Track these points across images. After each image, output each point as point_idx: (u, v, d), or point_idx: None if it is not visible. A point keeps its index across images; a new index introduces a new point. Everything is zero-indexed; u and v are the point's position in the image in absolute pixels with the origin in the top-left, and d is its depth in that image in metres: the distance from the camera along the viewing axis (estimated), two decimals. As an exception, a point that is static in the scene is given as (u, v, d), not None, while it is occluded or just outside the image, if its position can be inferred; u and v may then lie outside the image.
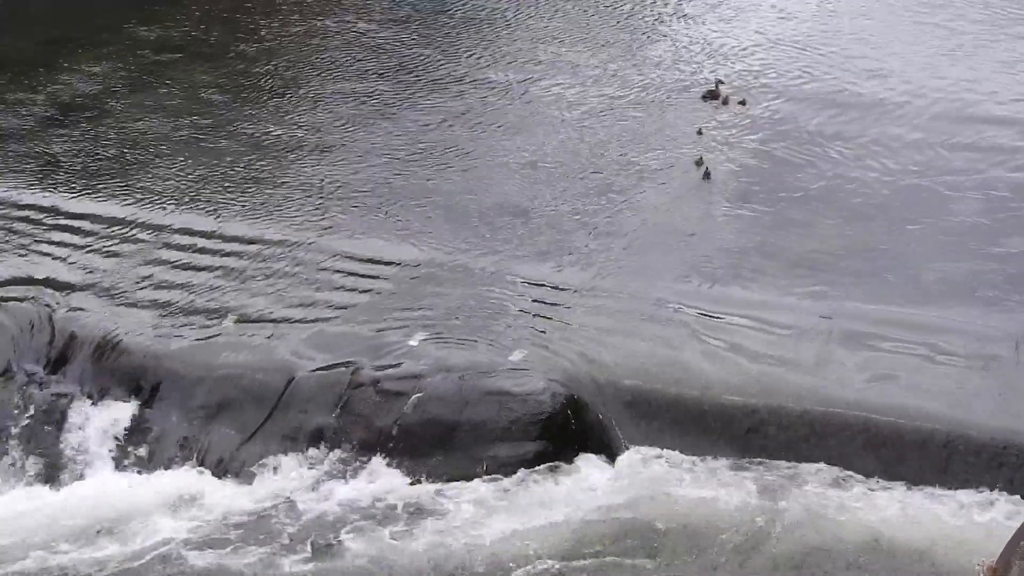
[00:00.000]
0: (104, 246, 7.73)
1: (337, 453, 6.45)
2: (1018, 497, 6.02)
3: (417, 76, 9.87)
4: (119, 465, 6.59)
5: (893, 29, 10.55)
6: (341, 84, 9.76)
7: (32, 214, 8.06)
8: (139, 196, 8.22)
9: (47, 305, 7.18)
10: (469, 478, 6.28)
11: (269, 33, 10.75)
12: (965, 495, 6.06)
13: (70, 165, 8.62)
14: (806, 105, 9.31)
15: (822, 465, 6.24)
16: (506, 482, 6.24)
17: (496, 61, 10.15)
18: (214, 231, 7.83)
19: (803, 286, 7.21)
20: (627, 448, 6.39)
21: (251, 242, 7.70)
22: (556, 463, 6.31)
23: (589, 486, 6.19)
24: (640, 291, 7.18)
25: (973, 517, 5.96)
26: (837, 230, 7.77)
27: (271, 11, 11.20)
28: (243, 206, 8.10)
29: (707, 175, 8.37)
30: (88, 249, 7.70)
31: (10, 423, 6.72)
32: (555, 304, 7.10)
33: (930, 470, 6.15)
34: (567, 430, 6.39)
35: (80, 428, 6.71)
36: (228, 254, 7.61)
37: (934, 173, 8.38)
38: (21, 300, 7.22)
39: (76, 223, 7.95)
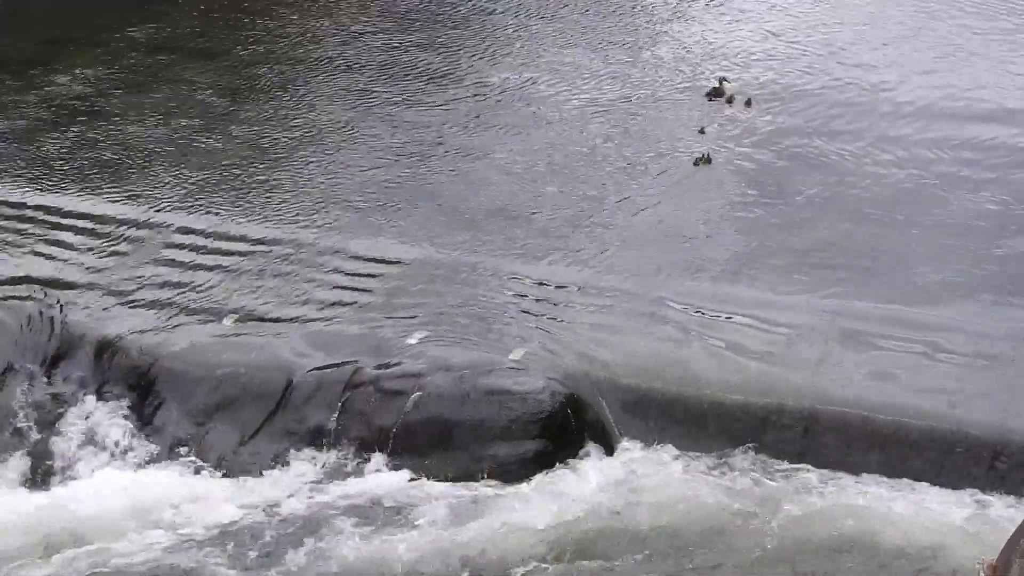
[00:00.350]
0: (105, 245, 7.73)
1: (337, 452, 6.46)
2: (1018, 495, 6.02)
3: (417, 77, 9.87)
4: (119, 464, 6.58)
5: (896, 29, 10.54)
6: (341, 84, 9.76)
7: (32, 213, 8.06)
8: (139, 196, 8.22)
9: (46, 304, 7.18)
10: (469, 477, 6.29)
11: (268, 33, 10.74)
12: (965, 494, 6.07)
13: (70, 164, 8.62)
14: (808, 104, 9.30)
15: (822, 464, 6.24)
16: (506, 480, 6.24)
17: (496, 61, 10.15)
18: (214, 230, 7.82)
19: (803, 285, 7.21)
20: (627, 446, 6.39)
21: (251, 241, 7.71)
22: (556, 461, 6.32)
23: (588, 484, 6.19)
24: (640, 290, 7.18)
25: (973, 515, 5.96)
26: (838, 229, 7.77)
27: (271, 11, 11.19)
28: (243, 206, 8.10)
29: (708, 159, 8.38)
30: (89, 248, 7.70)
31: (10, 422, 6.72)
32: (555, 303, 7.10)
33: (930, 469, 6.15)
34: (567, 429, 6.39)
35: (80, 427, 6.71)
36: (228, 253, 7.61)
37: (935, 172, 8.38)
38: (21, 299, 7.22)
39: (76, 222, 7.95)
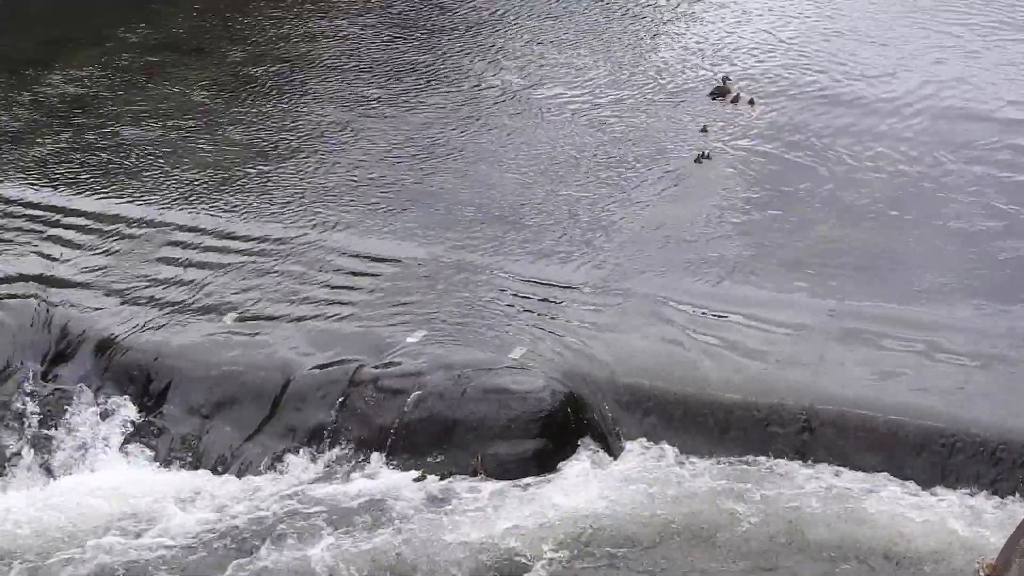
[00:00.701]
0: (105, 244, 7.73)
1: (337, 451, 6.45)
2: (1018, 495, 6.02)
3: (417, 78, 9.86)
4: (118, 463, 6.58)
5: (899, 30, 10.54)
6: (339, 85, 9.75)
7: (31, 212, 8.06)
8: (139, 194, 8.21)
9: (46, 302, 7.17)
10: (469, 476, 6.28)
11: (269, 34, 10.73)
12: (965, 493, 6.06)
13: (70, 164, 8.61)
14: (810, 104, 9.30)
15: (821, 463, 6.24)
16: (505, 479, 6.23)
17: (496, 62, 10.14)
18: (213, 230, 7.82)
19: (804, 284, 7.21)
20: (627, 446, 6.39)
21: (251, 240, 7.70)
22: (555, 460, 6.31)
23: (588, 484, 6.19)
24: (640, 289, 7.17)
25: (973, 515, 5.95)
26: (839, 228, 7.77)
27: (271, 12, 11.19)
28: (242, 205, 8.09)
29: (708, 157, 8.37)
30: (89, 247, 7.70)
31: (9, 421, 6.72)
32: (555, 302, 7.09)
33: (930, 468, 6.15)
34: (567, 428, 6.39)
35: (80, 425, 6.71)
36: (228, 252, 7.60)
37: (937, 172, 8.38)
38: (21, 297, 7.21)
39: (76, 220, 7.94)
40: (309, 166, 8.58)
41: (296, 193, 8.23)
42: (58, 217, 8.00)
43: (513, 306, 7.06)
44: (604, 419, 6.46)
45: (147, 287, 7.34)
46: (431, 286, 7.24)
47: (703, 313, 6.97)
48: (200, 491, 6.35)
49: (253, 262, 7.51)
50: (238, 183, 8.35)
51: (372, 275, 7.35)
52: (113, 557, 5.92)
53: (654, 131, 8.96)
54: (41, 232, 7.86)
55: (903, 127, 8.96)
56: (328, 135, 8.98)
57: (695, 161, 8.50)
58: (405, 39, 10.58)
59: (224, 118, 9.23)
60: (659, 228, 7.80)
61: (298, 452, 6.47)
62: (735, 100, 9.32)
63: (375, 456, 6.39)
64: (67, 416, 6.72)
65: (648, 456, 6.37)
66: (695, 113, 9.19)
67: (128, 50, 10.36)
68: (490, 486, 6.25)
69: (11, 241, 7.79)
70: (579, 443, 6.38)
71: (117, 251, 7.67)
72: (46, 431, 6.68)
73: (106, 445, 6.62)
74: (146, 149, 8.80)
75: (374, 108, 9.37)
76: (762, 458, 6.30)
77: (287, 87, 9.75)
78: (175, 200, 8.15)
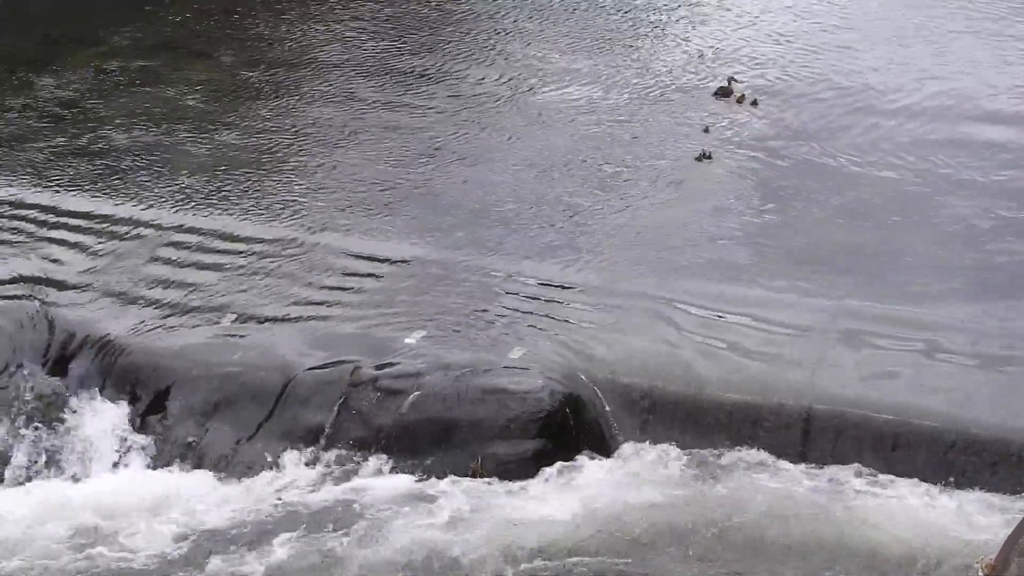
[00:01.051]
0: (104, 245, 7.73)
1: (335, 451, 6.45)
2: (1017, 495, 6.01)
3: (417, 79, 9.86)
4: (118, 463, 6.58)
5: (903, 31, 10.55)
6: (337, 88, 9.75)
7: (30, 212, 8.05)
8: (138, 195, 8.21)
9: (45, 303, 7.17)
10: (468, 476, 6.27)
11: (269, 34, 10.74)
12: (965, 493, 6.06)
13: (68, 163, 8.62)
14: (813, 105, 9.31)
15: (821, 463, 6.24)
16: (504, 480, 6.23)
17: (496, 62, 10.14)
18: (213, 230, 7.82)
19: (804, 284, 7.21)
20: (626, 446, 6.38)
21: (250, 241, 7.70)
22: (555, 461, 6.30)
23: (587, 484, 6.18)
24: (640, 289, 7.17)
25: (972, 515, 5.95)
26: (840, 228, 7.78)
27: (272, 12, 11.19)
28: (242, 205, 8.09)
29: (708, 156, 8.36)
30: (87, 248, 7.70)
31: (8, 421, 6.71)
32: (554, 302, 7.09)
33: (930, 468, 6.15)
34: (566, 428, 6.38)
35: (79, 427, 6.71)
36: (227, 253, 7.60)
37: (938, 173, 8.40)
38: (18, 298, 7.21)
39: (74, 221, 7.95)
40: (307, 167, 8.59)
41: (295, 194, 8.23)
42: (57, 218, 8.00)
43: (512, 306, 7.06)
44: (603, 419, 6.46)
45: (146, 288, 7.34)
46: (430, 286, 7.24)
47: (703, 313, 6.97)
48: (199, 492, 6.34)
49: (252, 263, 7.51)
50: (237, 184, 8.35)
51: (371, 276, 7.35)
52: (110, 557, 5.92)
53: (655, 131, 8.96)
54: (41, 233, 7.87)
55: (905, 128, 8.97)
56: (326, 136, 8.99)
57: (696, 160, 8.51)
58: (403, 41, 10.58)
59: (222, 119, 9.23)
60: (659, 228, 7.80)
61: (297, 453, 6.46)
62: (740, 99, 9.32)
63: (374, 456, 6.38)
64: (65, 417, 6.72)
65: (648, 457, 6.36)
66: (698, 113, 9.19)
67: (129, 50, 10.37)
68: (489, 487, 6.24)
69: (10, 242, 7.79)
70: (578, 443, 6.38)
71: (116, 252, 7.67)
72: (44, 432, 6.67)
73: (104, 446, 6.62)
74: (145, 150, 8.80)
75: (372, 110, 9.37)
76: (762, 458, 6.30)
77: (287, 87, 9.76)
78: (175, 201, 8.15)
